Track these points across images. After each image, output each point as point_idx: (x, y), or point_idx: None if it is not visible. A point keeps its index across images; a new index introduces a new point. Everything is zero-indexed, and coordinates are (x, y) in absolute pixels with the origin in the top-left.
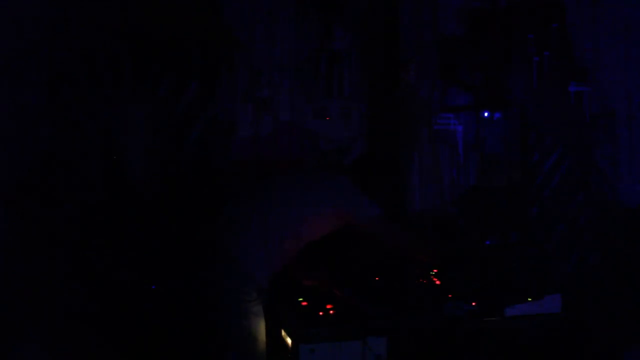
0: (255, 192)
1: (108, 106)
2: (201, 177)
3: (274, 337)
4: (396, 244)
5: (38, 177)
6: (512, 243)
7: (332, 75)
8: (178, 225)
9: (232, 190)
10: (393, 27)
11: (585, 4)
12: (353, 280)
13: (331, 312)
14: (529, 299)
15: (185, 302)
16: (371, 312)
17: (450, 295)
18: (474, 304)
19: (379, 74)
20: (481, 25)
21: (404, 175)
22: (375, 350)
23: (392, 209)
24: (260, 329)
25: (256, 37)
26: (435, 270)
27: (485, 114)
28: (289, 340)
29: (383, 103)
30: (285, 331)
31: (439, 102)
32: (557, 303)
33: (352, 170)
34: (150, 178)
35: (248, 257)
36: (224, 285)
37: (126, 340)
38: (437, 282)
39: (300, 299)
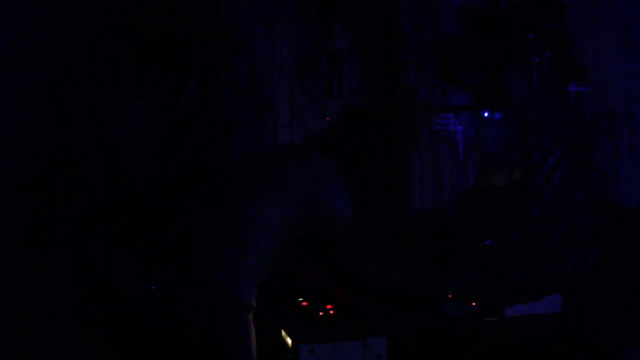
0: (225, 196)
1: (108, 106)
2: (201, 176)
3: (274, 337)
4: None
5: (38, 176)
6: (512, 243)
7: (332, 75)
8: (178, 225)
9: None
10: (393, 27)
11: (585, 4)
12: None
13: (331, 312)
14: (529, 299)
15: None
16: (371, 312)
17: (450, 295)
18: (474, 304)
19: (379, 74)
20: (481, 26)
21: (404, 175)
22: (375, 350)
23: (392, 209)
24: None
25: (256, 37)
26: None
27: (485, 114)
28: (289, 340)
29: (383, 103)
30: (285, 331)
31: (439, 102)
32: (557, 303)
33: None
34: (150, 178)
35: (225, 270)
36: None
37: (126, 341)
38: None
39: (300, 299)
